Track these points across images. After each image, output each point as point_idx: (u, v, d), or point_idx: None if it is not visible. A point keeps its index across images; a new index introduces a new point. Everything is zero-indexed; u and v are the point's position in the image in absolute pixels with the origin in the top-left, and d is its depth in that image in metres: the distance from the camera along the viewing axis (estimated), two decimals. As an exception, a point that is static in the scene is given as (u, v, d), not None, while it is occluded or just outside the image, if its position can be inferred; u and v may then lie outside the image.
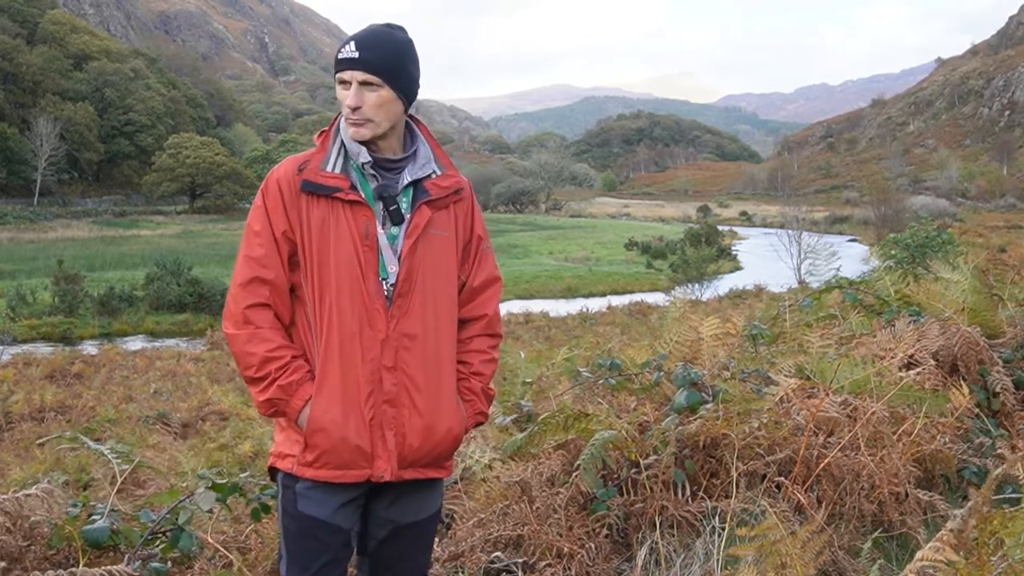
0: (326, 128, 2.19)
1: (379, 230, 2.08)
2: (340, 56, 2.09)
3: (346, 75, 2.08)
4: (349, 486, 2.09)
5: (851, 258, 32.28)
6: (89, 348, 22.50)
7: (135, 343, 23.88)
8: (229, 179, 76.07)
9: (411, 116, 2.21)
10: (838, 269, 9.14)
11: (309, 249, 2.06)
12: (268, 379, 2.04)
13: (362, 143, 2.10)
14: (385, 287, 2.08)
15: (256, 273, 2.06)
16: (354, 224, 2.06)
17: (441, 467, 2.19)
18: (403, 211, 2.11)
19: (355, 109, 2.06)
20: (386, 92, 2.08)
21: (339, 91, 2.12)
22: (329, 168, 2.09)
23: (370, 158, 2.09)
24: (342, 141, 2.13)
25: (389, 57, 2.08)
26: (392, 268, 2.08)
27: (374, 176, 2.11)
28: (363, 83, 2.06)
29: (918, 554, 1.81)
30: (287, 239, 2.07)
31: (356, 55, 2.07)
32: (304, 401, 2.05)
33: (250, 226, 2.09)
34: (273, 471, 2.17)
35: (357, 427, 2.05)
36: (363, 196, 2.08)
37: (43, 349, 22.09)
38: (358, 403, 2.05)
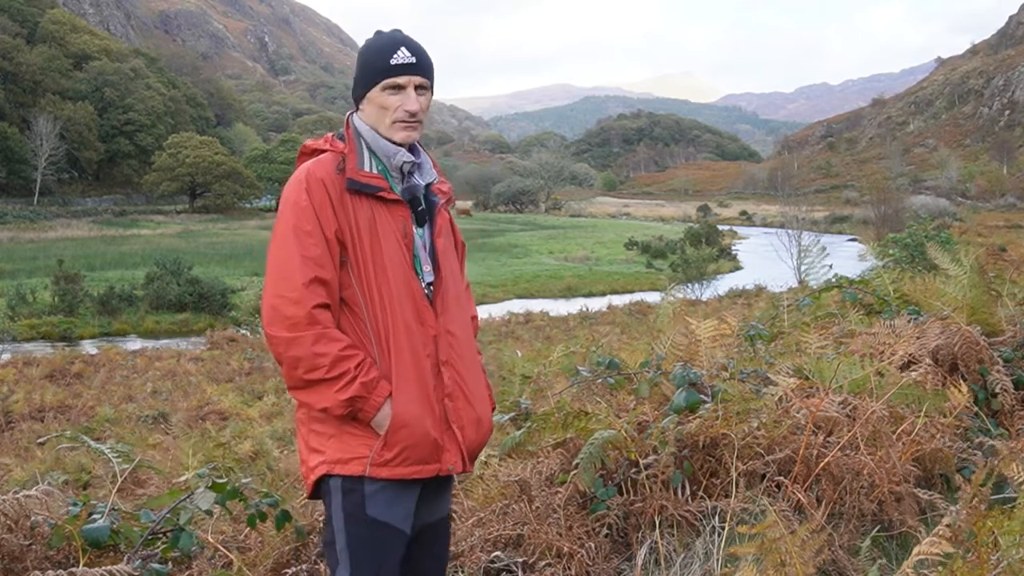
0: (330, 135, 2.20)
1: (414, 229, 2.14)
2: (396, 61, 2.11)
3: (403, 80, 2.11)
4: (415, 485, 2.11)
5: (849, 257, 32.28)
6: (89, 348, 22.50)
7: (135, 343, 23.88)
8: (229, 178, 76.12)
9: None
10: (830, 267, 9.14)
11: (361, 248, 2.07)
12: (348, 377, 2.00)
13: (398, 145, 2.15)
14: (423, 286, 2.13)
15: (316, 273, 2.03)
16: (394, 223, 2.10)
17: (476, 459, 2.28)
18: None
19: (414, 113, 2.12)
20: (430, 96, 2.19)
21: (384, 96, 2.12)
22: (367, 168, 2.12)
23: (410, 158, 2.15)
24: (366, 143, 2.16)
25: (431, 63, 2.18)
26: (427, 267, 2.14)
27: (402, 178, 2.16)
28: (418, 87, 2.13)
29: (915, 549, 1.81)
30: (337, 239, 2.07)
31: (414, 60, 2.12)
32: (384, 398, 2.03)
33: (298, 226, 2.05)
34: (320, 481, 2.09)
35: (433, 422, 2.09)
36: (400, 196, 2.14)
37: (43, 349, 22.10)
38: (430, 398, 2.09)
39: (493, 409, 2.36)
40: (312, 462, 2.10)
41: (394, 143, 2.13)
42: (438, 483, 2.18)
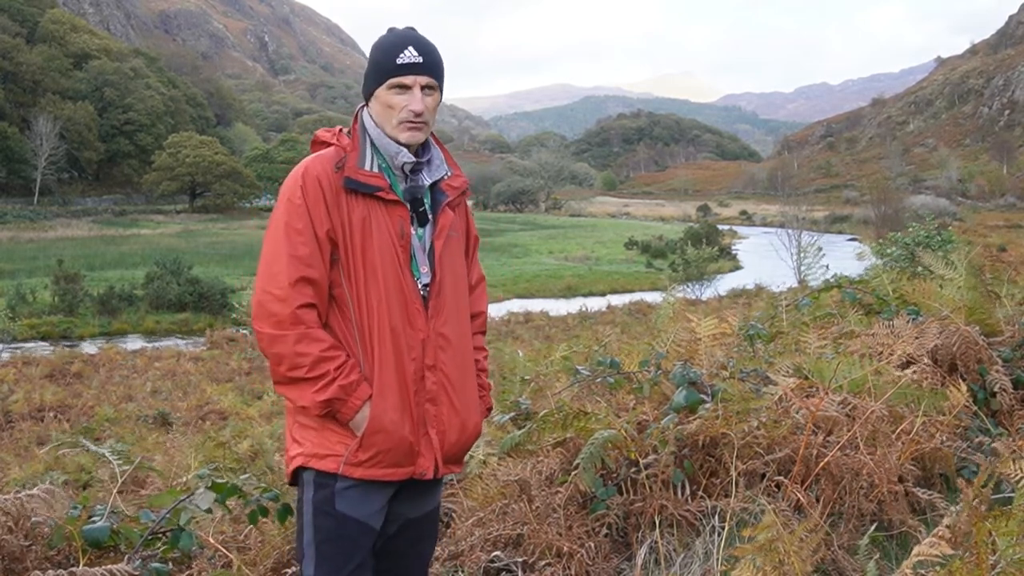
0: (339, 128, 2.19)
1: (412, 230, 2.11)
2: (403, 61, 2.09)
3: (409, 79, 2.09)
4: (388, 485, 2.11)
5: (849, 256, 32.28)
6: (89, 347, 22.50)
7: (135, 342, 23.88)
8: (229, 178, 76.09)
9: None
10: (827, 267, 9.12)
11: (352, 248, 2.06)
12: (326, 379, 2.01)
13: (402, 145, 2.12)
14: (419, 287, 2.11)
15: (303, 272, 2.03)
16: (391, 223, 2.08)
17: (462, 462, 2.27)
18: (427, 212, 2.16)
19: (419, 113, 2.09)
20: (438, 96, 2.16)
21: (390, 95, 2.10)
22: (367, 167, 2.10)
23: (412, 159, 2.12)
24: (371, 140, 2.14)
25: (440, 62, 2.16)
26: (424, 268, 2.12)
27: (404, 177, 2.14)
28: (425, 87, 2.11)
29: (915, 549, 1.82)
30: (329, 238, 2.06)
31: (421, 60, 2.10)
32: (363, 401, 2.04)
33: (289, 224, 2.05)
34: (297, 472, 2.13)
35: (411, 427, 2.08)
36: (399, 196, 2.11)
37: (43, 348, 22.09)
38: (409, 402, 2.08)
39: (489, 411, 2.35)
40: (292, 451, 2.14)
41: (399, 143, 2.11)
42: (425, 480, 2.17)
